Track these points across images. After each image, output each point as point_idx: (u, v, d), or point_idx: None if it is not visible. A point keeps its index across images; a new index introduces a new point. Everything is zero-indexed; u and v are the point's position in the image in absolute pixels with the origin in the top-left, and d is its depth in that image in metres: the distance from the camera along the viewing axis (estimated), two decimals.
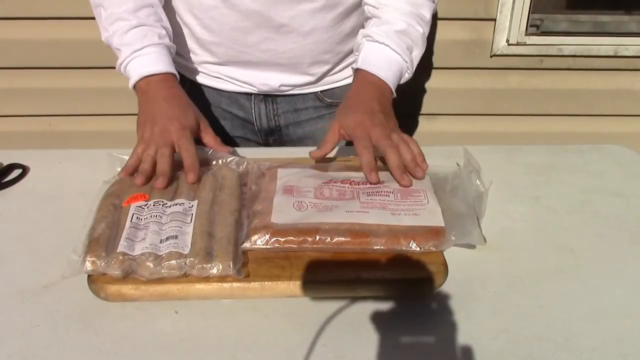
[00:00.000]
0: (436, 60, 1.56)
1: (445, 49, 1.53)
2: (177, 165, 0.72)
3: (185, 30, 0.92)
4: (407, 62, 0.84)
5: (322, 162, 0.78)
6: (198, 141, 0.77)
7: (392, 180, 0.72)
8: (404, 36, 0.83)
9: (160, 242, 0.60)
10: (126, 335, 0.55)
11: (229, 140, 1.03)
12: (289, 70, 0.93)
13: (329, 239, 0.61)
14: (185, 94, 0.81)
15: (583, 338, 0.56)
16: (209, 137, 0.78)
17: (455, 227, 0.64)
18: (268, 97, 0.97)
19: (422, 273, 0.60)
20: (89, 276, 0.58)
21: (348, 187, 0.70)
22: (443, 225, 0.64)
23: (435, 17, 0.91)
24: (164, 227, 0.62)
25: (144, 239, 0.60)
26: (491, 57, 1.56)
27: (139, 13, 0.80)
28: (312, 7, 0.85)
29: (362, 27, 0.91)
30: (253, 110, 0.99)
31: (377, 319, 0.57)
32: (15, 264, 0.64)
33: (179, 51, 0.91)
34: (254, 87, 0.95)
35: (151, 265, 0.57)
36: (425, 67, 1.56)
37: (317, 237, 0.61)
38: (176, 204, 0.65)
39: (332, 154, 0.81)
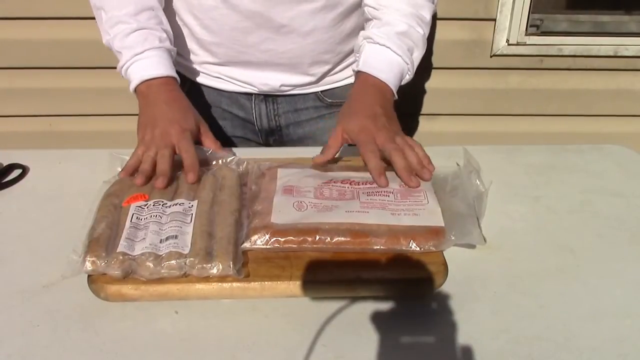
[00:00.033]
0: (436, 60, 1.56)
1: (445, 49, 1.53)
2: (177, 166, 0.72)
3: (185, 31, 0.92)
4: (408, 64, 0.84)
5: None
6: (198, 144, 0.77)
7: (393, 181, 0.72)
8: (404, 38, 0.83)
9: (160, 242, 0.60)
10: (126, 335, 0.55)
11: (230, 141, 1.03)
12: (289, 70, 0.93)
13: (329, 239, 0.61)
14: (186, 98, 0.81)
15: (583, 338, 0.56)
16: (209, 140, 0.79)
17: (455, 227, 0.64)
18: (268, 97, 0.97)
19: (422, 273, 0.60)
20: (89, 276, 0.58)
21: (348, 187, 0.70)
22: (443, 225, 0.64)
23: (435, 17, 0.91)
24: (164, 227, 0.62)
25: (144, 238, 0.60)
26: (491, 57, 1.56)
27: (140, 16, 0.80)
28: (312, 8, 0.85)
29: (363, 27, 0.91)
30: (253, 110, 0.99)
31: (377, 319, 0.57)
32: (15, 264, 0.64)
33: (180, 51, 0.91)
34: (255, 87, 0.95)
35: (151, 265, 0.57)
36: (425, 67, 1.56)
37: (317, 237, 0.61)
38: (176, 204, 0.65)
39: None
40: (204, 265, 0.57)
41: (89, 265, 0.57)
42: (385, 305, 0.59)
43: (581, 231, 0.72)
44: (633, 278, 0.64)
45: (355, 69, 0.85)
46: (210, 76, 0.96)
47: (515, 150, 0.91)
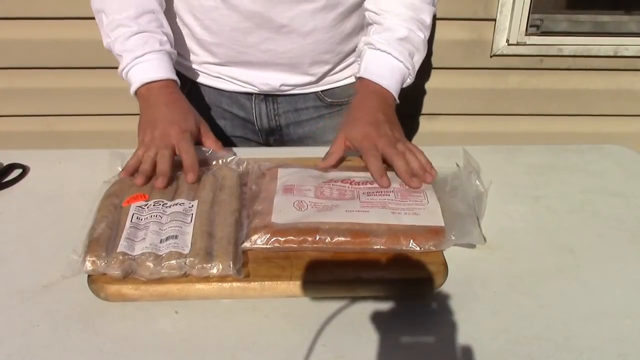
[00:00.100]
0: (436, 61, 1.56)
1: (445, 49, 1.53)
2: (177, 166, 0.72)
3: (185, 31, 0.92)
4: (409, 69, 0.85)
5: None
6: (199, 145, 0.78)
7: (393, 180, 0.72)
8: (405, 43, 0.84)
9: (160, 242, 0.60)
10: (126, 335, 0.55)
11: (230, 140, 1.03)
12: (289, 70, 0.93)
13: (329, 238, 0.61)
14: (186, 99, 0.81)
15: (583, 338, 0.56)
16: (210, 141, 0.79)
17: (455, 227, 0.64)
18: (269, 97, 0.98)
19: (422, 273, 0.60)
20: (89, 276, 0.58)
21: (348, 187, 0.70)
22: (443, 225, 0.64)
23: (435, 17, 0.91)
24: (164, 227, 0.62)
25: (144, 238, 0.60)
26: (491, 57, 1.56)
27: (140, 19, 0.80)
28: (312, 8, 0.85)
29: (363, 27, 0.91)
30: (254, 110, 0.99)
31: (377, 319, 0.57)
32: (15, 264, 0.64)
33: (180, 52, 0.91)
34: (255, 87, 0.95)
35: (151, 265, 0.57)
36: (425, 67, 1.56)
37: (317, 237, 0.61)
38: (176, 204, 0.65)
39: None
40: (204, 265, 0.57)
41: (89, 265, 0.57)
42: (385, 305, 0.59)
43: (581, 231, 0.72)
44: (633, 278, 0.64)
45: (357, 76, 0.86)
46: (210, 76, 0.96)
47: (515, 150, 0.91)
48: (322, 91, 0.98)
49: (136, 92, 0.80)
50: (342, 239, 0.61)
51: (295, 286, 0.58)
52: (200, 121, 0.80)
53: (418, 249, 0.61)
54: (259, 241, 0.61)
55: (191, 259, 0.58)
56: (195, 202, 0.66)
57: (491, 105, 1.65)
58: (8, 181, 0.79)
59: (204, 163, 0.75)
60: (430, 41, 0.91)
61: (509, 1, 1.47)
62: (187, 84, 0.97)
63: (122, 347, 0.54)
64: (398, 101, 0.84)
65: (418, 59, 0.87)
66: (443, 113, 1.67)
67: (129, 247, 0.59)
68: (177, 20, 0.91)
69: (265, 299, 0.59)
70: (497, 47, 1.54)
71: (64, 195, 0.76)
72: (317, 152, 0.82)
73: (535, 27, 1.52)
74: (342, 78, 0.98)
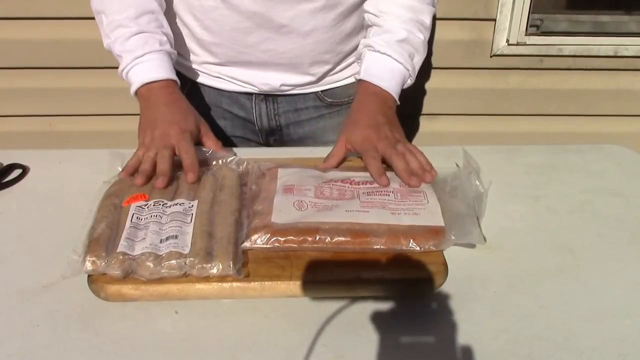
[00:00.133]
0: (436, 60, 1.56)
1: (445, 49, 1.53)
2: (177, 166, 0.72)
3: (185, 31, 0.92)
4: (409, 70, 0.85)
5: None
6: (199, 145, 0.78)
7: (393, 180, 0.72)
8: (405, 44, 0.84)
9: (160, 242, 0.60)
10: (126, 335, 0.55)
11: (230, 140, 1.03)
12: (289, 70, 0.93)
13: (329, 238, 0.61)
14: (186, 100, 0.81)
15: (583, 338, 0.56)
16: (210, 141, 0.79)
17: (455, 227, 0.64)
18: (269, 97, 0.98)
19: (422, 273, 0.60)
20: (89, 276, 0.58)
21: (348, 187, 0.70)
22: (443, 224, 0.64)
23: (435, 17, 0.91)
24: (164, 227, 0.62)
25: (144, 238, 0.60)
26: (491, 57, 1.56)
27: (140, 20, 0.80)
28: (312, 7, 0.85)
29: (363, 27, 0.91)
30: (254, 110, 0.99)
31: (377, 319, 0.57)
32: (15, 264, 0.64)
33: (180, 52, 0.91)
34: (255, 86, 0.95)
35: (151, 265, 0.57)
36: (425, 67, 1.55)
37: (317, 237, 0.61)
38: (176, 204, 0.65)
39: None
40: (204, 265, 0.57)
41: (89, 265, 0.57)
42: (385, 305, 0.59)
43: (581, 231, 0.72)
44: (633, 278, 0.64)
45: (357, 78, 0.86)
46: (210, 76, 0.96)
47: (515, 150, 0.91)
48: (322, 91, 0.98)
49: (136, 93, 0.80)
50: (342, 238, 0.61)
51: (295, 286, 0.58)
52: (201, 121, 0.80)
53: (418, 248, 0.61)
54: (259, 241, 0.61)
55: (191, 259, 0.58)
56: (195, 202, 0.66)
57: (491, 105, 1.65)
58: (8, 181, 0.79)
59: (204, 163, 0.75)
60: (430, 41, 0.91)
61: (509, 1, 1.47)
62: (187, 84, 0.97)
63: (122, 347, 0.54)
64: (398, 103, 0.85)
65: (418, 60, 0.87)
66: (443, 113, 1.67)
67: (129, 247, 0.59)
68: (177, 20, 0.91)
69: (265, 299, 0.59)
70: (497, 47, 1.54)
71: (64, 195, 0.76)
72: (317, 152, 0.82)
73: (535, 27, 1.52)
74: (342, 78, 0.98)
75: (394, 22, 0.84)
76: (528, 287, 0.62)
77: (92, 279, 0.57)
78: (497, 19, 1.50)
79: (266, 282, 0.58)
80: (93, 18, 0.84)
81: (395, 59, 0.83)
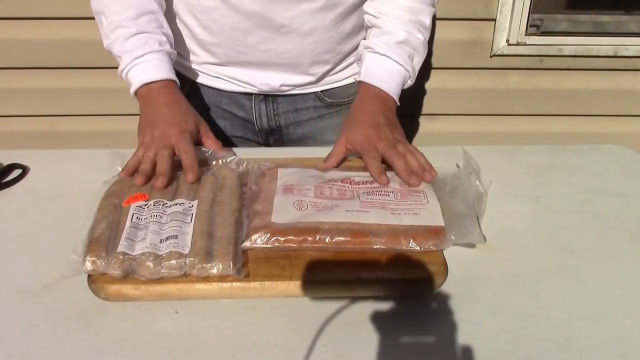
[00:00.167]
0: (436, 60, 1.56)
1: (445, 49, 1.53)
2: (177, 166, 0.72)
3: (185, 31, 0.92)
4: (409, 71, 0.85)
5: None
6: (199, 145, 0.78)
7: (393, 180, 0.72)
8: (405, 46, 0.84)
9: (160, 241, 0.60)
10: (126, 335, 0.55)
11: (229, 141, 1.03)
12: (289, 70, 0.93)
13: (329, 238, 0.61)
14: (186, 100, 0.81)
15: (583, 338, 0.56)
16: (210, 141, 0.79)
17: (455, 227, 0.64)
18: (268, 97, 0.98)
19: (422, 273, 0.60)
20: (89, 276, 0.58)
21: (348, 187, 0.70)
22: (443, 224, 0.64)
23: (434, 17, 0.91)
24: (164, 227, 0.62)
25: (144, 238, 0.60)
26: (491, 57, 1.56)
27: (140, 20, 0.80)
28: (312, 7, 0.85)
29: (363, 27, 0.91)
30: (253, 110, 0.99)
31: (377, 319, 0.57)
32: (15, 264, 0.64)
33: (180, 52, 0.91)
34: (255, 87, 0.95)
35: (151, 265, 0.57)
36: (425, 67, 1.55)
37: (317, 237, 0.61)
38: (176, 204, 0.65)
39: None
40: (204, 265, 0.57)
41: (89, 265, 0.57)
42: (385, 305, 0.59)
43: (581, 231, 0.72)
44: (633, 278, 0.64)
45: (357, 79, 0.86)
46: (210, 76, 0.96)
47: (515, 150, 0.91)
48: (322, 91, 0.98)
49: (136, 93, 0.80)
50: (342, 238, 0.61)
51: (295, 286, 0.58)
52: (200, 121, 0.80)
53: (418, 248, 0.61)
54: (259, 241, 0.61)
55: (191, 258, 0.58)
56: (195, 202, 0.66)
57: (491, 105, 1.65)
58: (8, 181, 0.79)
59: (203, 163, 0.75)
60: (430, 41, 0.91)
61: (509, 1, 1.47)
62: (187, 84, 0.97)
63: (122, 347, 0.54)
64: (399, 103, 0.85)
65: (418, 61, 0.88)
66: (443, 113, 1.67)
67: (129, 247, 0.59)
68: (177, 20, 0.91)
69: (265, 299, 0.59)
70: (497, 47, 1.54)
71: (64, 195, 0.76)
72: (317, 152, 0.82)
73: (535, 27, 1.52)
74: (342, 78, 0.98)
75: (393, 24, 0.84)
76: (528, 287, 0.62)
77: (92, 279, 0.57)
78: (497, 19, 1.50)
79: (266, 282, 0.58)
80: (93, 18, 0.84)
81: (395, 61, 0.84)
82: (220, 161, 0.76)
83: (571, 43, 1.55)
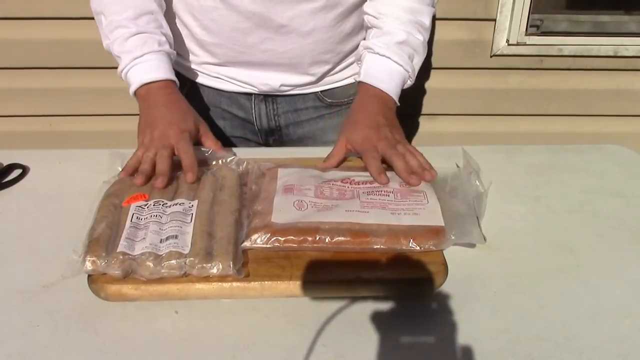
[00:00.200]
0: (436, 60, 1.56)
1: (445, 49, 1.53)
2: (177, 166, 0.72)
3: (184, 32, 0.92)
4: (408, 72, 0.86)
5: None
6: (198, 145, 0.78)
7: (393, 180, 0.72)
8: (404, 46, 0.84)
9: (160, 241, 0.60)
10: (126, 335, 0.55)
11: (229, 141, 1.03)
12: (289, 70, 0.93)
13: (329, 238, 0.61)
14: (185, 100, 0.81)
15: (583, 338, 0.56)
16: (209, 141, 0.79)
17: (455, 227, 0.64)
18: (268, 97, 0.97)
19: (422, 273, 0.60)
20: (89, 276, 0.58)
21: (348, 187, 0.70)
22: (443, 224, 0.64)
23: (434, 18, 0.91)
24: (164, 227, 0.62)
25: (144, 238, 0.60)
26: (491, 57, 1.56)
27: (139, 20, 0.80)
28: (312, 7, 0.85)
29: (363, 26, 0.91)
30: (253, 110, 0.99)
31: (377, 319, 0.57)
32: (15, 264, 0.64)
33: (179, 52, 0.91)
34: (254, 87, 0.95)
35: (151, 265, 0.57)
36: (425, 67, 1.55)
37: (317, 237, 0.61)
38: (176, 204, 0.65)
39: None
40: (204, 265, 0.57)
41: (89, 265, 0.57)
42: (385, 305, 0.59)
43: (581, 231, 0.72)
44: (633, 278, 0.64)
45: (357, 80, 0.86)
46: (209, 76, 0.96)
47: (515, 150, 0.91)
48: (321, 91, 0.98)
49: (135, 93, 0.80)
50: (342, 238, 0.61)
51: (295, 286, 0.58)
52: (200, 122, 0.80)
53: (418, 248, 0.61)
54: (259, 241, 0.61)
55: (191, 258, 0.58)
56: (195, 202, 0.66)
57: (491, 105, 1.65)
58: (8, 181, 0.79)
59: (203, 163, 0.75)
60: (430, 41, 0.91)
61: (509, 1, 1.47)
62: (186, 85, 0.97)
63: (122, 347, 0.54)
64: (398, 104, 0.85)
65: (418, 61, 0.88)
66: (443, 113, 1.67)
67: (129, 247, 0.59)
68: (177, 20, 0.91)
69: (265, 299, 0.59)
70: (497, 47, 1.54)
71: (64, 195, 0.76)
72: (317, 152, 0.82)
73: (535, 27, 1.52)
74: (342, 78, 0.98)
75: (393, 24, 0.84)
76: (528, 287, 0.62)
77: (92, 279, 0.57)
78: (497, 19, 1.50)
79: (266, 282, 0.58)
80: (93, 18, 0.84)
81: (394, 61, 0.84)
82: (220, 161, 0.76)
83: (571, 43, 1.55)
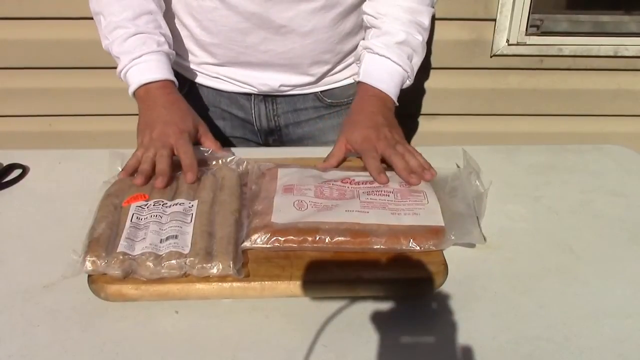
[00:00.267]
0: (436, 60, 1.56)
1: (445, 49, 1.53)
2: (177, 166, 0.72)
3: (184, 32, 0.92)
4: (407, 72, 0.86)
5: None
6: (198, 145, 0.78)
7: (393, 180, 0.72)
8: (404, 46, 0.85)
9: (161, 241, 0.60)
10: (126, 335, 0.55)
11: (229, 141, 1.03)
12: (288, 70, 0.93)
13: (329, 238, 0.61)
14: (184, 100, 0.81)
15: (583, 338, 0.56)
16: (209, 141, 0.79)
17: (455, 227, 0.64)
18: (268, 98, 0.97)
19: (422, 273, 0.60)
20: (89, 276, 0.58)
21: (348, 187, 0.70)
22: (443, 224, 0.64)
23: (434, 18, 0.91)
24: (164, 227, 0.62)
25: (144, 238, 0.60)
26: (491, 57, 1.56)
27: (138, 21, 0.80)
28: (311, 7, 0.85)
29: (362, 26, 0.91)
30: (253, 111, 0.99)
31: (377, 319, 0.57)
32: (15, 264, 0.64)
33: (179, 52, 0.91)
34: (254, 87, 0.95)
35: (151, 265, 0.57)
36: (425, 67, 1.56)
37: (317, 237, 0.61)
38: (176, 204, 0.65)
39: None
40: (204, 265, 0.57)
41: (89, 265, 0.57)
42: (385, 305, 0.59)
43: (581, 231, 0.72)
44: (633, 278, 0.64)
45: (356, 80, 0.86)
46: (209, 76, 0.96)
47: (515, 150, 0.91)
48: (321, 92, 0.98)
49: (134, 94, 0.80)
50: (342, 238, 0.61)
51: (295, 286, 0.58)
52: (199, 122, 0.80)
53: (418, 248, 0.61)
54: (259, 241, 0.61)
55: (191, 258, 0.58)
56: (195, 202, 0.66)
57: (491, 105, 1.65)
58: (8, 181, 0.79)
59: (203, 163, 0.75)
60: (430, 41, 0.91)
61: (509, 1, 1.47)
62: (186, 85, 0.97)
63: (122, 347, 0.54)
64: (397, 104, 0.85)
65: (417, 61, 0.88)
66: (443, 113, 1.67)
67: (129, 247, 0.59)
68: (176, 21, 0.91)
69: (265, 299, 0.59)
70: (497, 47, 1.54)
71: (64, 195, 0.76)
72: (317, 152, 0.82)
73: (535, 27, 1.52)
74: (341, 78, 0.98)
75: (392, 24, 0.84)
76: (528, 287, 0.62)
77: (92, 279, 0.57)
78: (497, 19, 1.50)
79: (266, 282, 0.58)
80: (92, 18, 0.84)
81: (394, 61, 0.84)
82: (220, 161, 0.76)
83: (571, 43, 1.55)
